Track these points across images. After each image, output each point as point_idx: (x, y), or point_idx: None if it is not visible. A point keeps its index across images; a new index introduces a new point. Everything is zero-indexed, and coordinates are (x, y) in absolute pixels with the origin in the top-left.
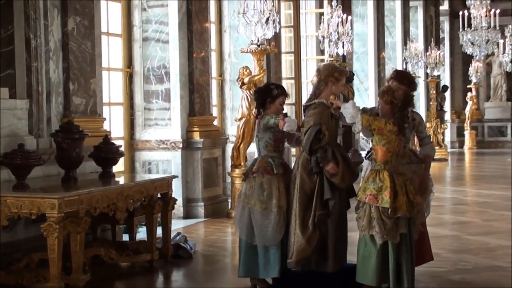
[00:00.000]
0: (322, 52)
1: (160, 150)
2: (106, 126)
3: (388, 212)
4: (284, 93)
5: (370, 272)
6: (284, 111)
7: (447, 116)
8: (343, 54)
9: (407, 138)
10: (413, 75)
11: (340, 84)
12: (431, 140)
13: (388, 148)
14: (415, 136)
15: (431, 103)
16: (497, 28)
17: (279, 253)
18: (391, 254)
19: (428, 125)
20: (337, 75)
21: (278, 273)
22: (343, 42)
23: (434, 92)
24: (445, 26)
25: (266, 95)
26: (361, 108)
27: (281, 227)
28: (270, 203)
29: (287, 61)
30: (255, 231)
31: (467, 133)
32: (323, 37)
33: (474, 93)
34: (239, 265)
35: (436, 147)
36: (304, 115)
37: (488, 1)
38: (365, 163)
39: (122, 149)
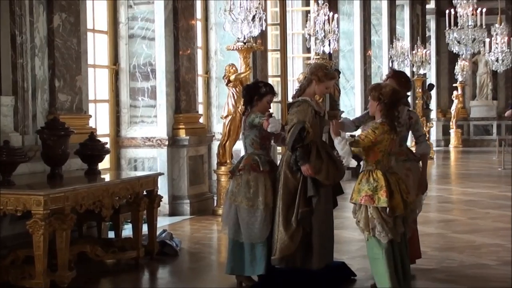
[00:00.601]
0: (308, 50)
1: (146, 147)
2: (91, 123)
3: (386, 211)
4: (272, 92)
5: (381, 275)
6: (269, 111)
7: (433, 115)
8: (329, 52)
9: (404, 136)
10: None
11: (324, 85)
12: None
13: (380, 148)
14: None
15: (417, 101)
16: (484, 26)
17: (265, 250)
18: (397, 254)
19: None
20: (321, 74)
21: (264, 270)
22: (329, 40)
23: (420, 90)
24: (432, 24)
25: (254, 92)
26: (349, 136)
27: (267, 224)
28: (256, 200)
29: (273, 59)
30: (242, 229)
31: (452, 131)
32: (309, 35)
33: (460, 91)
34: (226, 262)
35: None
36: (288, 113)
37: (475, 0)
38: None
39: (107, 146)
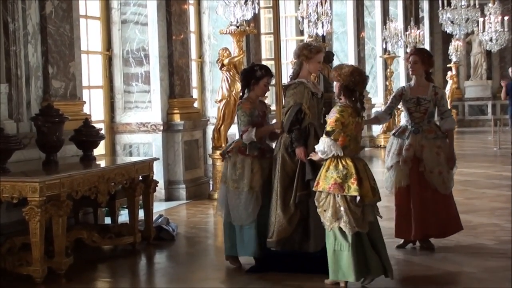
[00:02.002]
0: (301, 32)
1: (140, 132)
2: (86, 110)
3: (355, 200)
4: (268, 74)
5: (344, 267)
6: (267, 110)
7: None
8: (323, 35)
9: (431, 112)
10: (395, 54)
11: (314, 61)
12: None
13: (346, 131)
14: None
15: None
16: (477, 6)
17: (253, 233)
18: (367, 245)
19: None
20: (306, 52)
21: (253, 253)
22: (322, 23)
23: None
24: (425, 5)
25: (250, 76)
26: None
27: (253, 207)
28: (241, 182)
29: (266, 42)
30: (230, 210)
31: None
32: (302, 17)
33: (454, 72)
34: (224, 244)
35: None
36: (284, 96)
37: None
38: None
39: (102, 132)
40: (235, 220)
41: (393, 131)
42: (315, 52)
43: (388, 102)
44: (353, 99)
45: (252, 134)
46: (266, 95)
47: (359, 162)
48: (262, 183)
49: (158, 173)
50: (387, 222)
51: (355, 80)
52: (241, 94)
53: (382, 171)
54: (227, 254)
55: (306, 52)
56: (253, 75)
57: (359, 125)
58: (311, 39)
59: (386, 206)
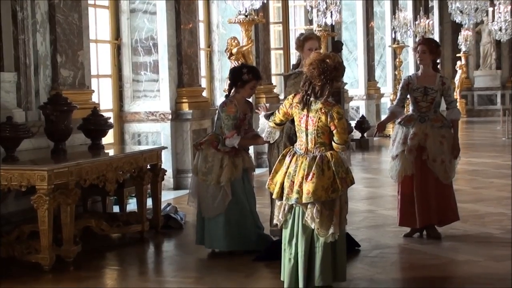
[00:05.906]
0: (310, 22)
1: (149, 121)
2: (94, 98)
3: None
4: (255, 78)
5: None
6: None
7: None
8: (332, 24)
9: (438, 102)
10: (404, 44)
11: (305, 49)
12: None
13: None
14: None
15: None
16: None
17: (220, 227)
18: (299, 246)
19: None
20: (297, 41)
21: (222, 246)
22: (331, 12)
23: None
24: None
25: (237, 78)
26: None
27: (218, 202)
28: (209, 176)
29: (275, 31)
30: (199, 201)
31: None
32: (311, 6)
33: (463, 61)
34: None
35: None
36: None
37: None
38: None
39: (111, 121)
40: (203, 211)
41: (399, 120)
42: (303, 40)
43: (398, 95)
44: (304, 90)
45: (235, 142)
46: (275, 83)
47: (302, 158)
48: (233, 179)
49: (166, 162)
50: (394, 211)
51: (312, 73)
52: (227, 92)
53: (389, 160)
54: (198, 243)
55: (296, 41)
56: (239, 77)
57: (308, 119)
58: (319, 29)
59: (394, 195)
